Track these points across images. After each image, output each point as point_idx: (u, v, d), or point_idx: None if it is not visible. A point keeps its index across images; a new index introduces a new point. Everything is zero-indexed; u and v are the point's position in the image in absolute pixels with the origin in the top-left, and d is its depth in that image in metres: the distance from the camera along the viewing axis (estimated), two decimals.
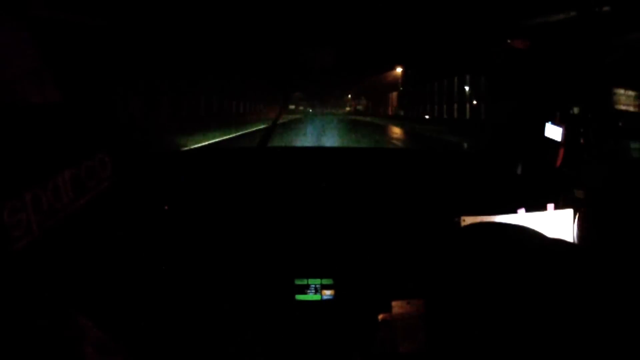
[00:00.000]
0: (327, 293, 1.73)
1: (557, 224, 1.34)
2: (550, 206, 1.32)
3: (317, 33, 1.37)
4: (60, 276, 0.78)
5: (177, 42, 1.42)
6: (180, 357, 1.49)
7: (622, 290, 0.55)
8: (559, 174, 1.55)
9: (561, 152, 1.49)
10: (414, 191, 1.82)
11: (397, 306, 1.06)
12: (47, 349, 0.53)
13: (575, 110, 1.46)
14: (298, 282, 1.73)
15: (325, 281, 1.73)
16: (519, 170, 1.83)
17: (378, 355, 1.00)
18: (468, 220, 1.31)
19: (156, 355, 1.43)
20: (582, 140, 1.43)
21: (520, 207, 1.36)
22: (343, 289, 1.73)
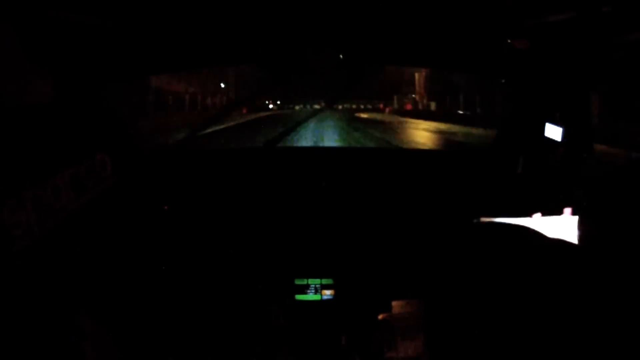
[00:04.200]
0: (327, 293, 1.73)
1: (574, 228, 1.32)
2: (567, 210, 1.32)
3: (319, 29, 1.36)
4: (61, 275, 0.78)
5: (178, 40, 1.42)
6: (180, 356, 1.49)
7: (621, 289, 0.55)
8: (569, 176, 1.55)
9: (561, 152, 1.49)
10: (414, 192, 1.82)
11: (397, 306, 1.06)
12: (46, 347, 0.53)
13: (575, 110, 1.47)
14: (298, 282, 1.73)
15: (325, 281, 1.73)
16: (520, 170, 1.83)
17: (378, 356, 1.00)
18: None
19: (156, 354, 1.43)
20: (580, 140, 1.43)
21: (535, 211, 1.35)
22: (343, 289, 1.73)
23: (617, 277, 0.57)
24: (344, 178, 1.86)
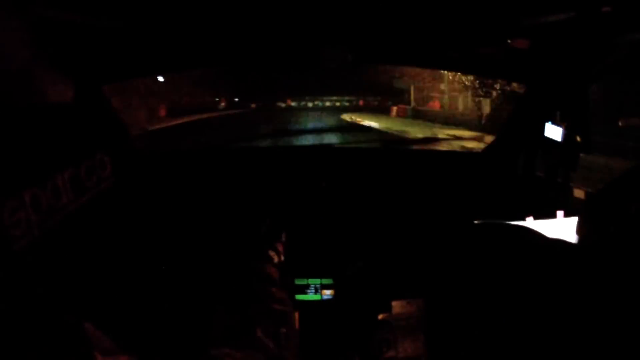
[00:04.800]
0: (327, 293, 1.73)
1: (567, 231, 1.33)
2: (560, 213, 1.32)
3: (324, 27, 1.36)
4: (60, 276, 0.78)
5: (176, 40, 1.42)
6: (181, 356, 1.49)
7: (621, 289, 0.55)
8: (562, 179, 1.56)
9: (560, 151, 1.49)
10: (414, 192, 1.82)
11: (397, 306, 1.06)
12: (46, 350, 0.53)
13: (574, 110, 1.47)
14: (298, 281, 1.73)
15: (325, 281, 1.73)
16: (519, 170, 1.83)
17: (377, 356, 1.00)
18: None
19: (158, 355, 1.43)
20: (578, 139, 1.43)
21: (528, 214, 1.35)
22: (343, 289, 1.73)
23: (617, 278, 0.57)
24: (345, 178, 1.86)
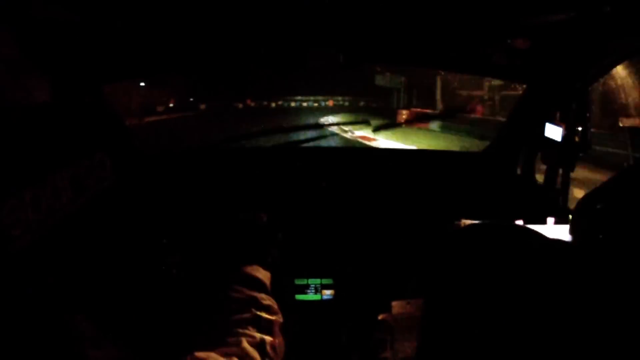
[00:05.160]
0: (327, 293, 1.73)
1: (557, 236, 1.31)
2: (550, 220, 1.31)
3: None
4: (59, 275, 0.78)
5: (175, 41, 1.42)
6: (180, 356, 1.49)
7: (620, 289, 0.55)
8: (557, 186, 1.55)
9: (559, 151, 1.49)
10: (414, 191, 1.82)
11: (397, 306, 1.06)
12: (45, 349, 0.53)
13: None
14: (298, 282, 1.73)
15: (325, 281, 1.73)
16: (518, 171, 1.83)
17: (377, 356, 1.00)
18: (467, 223, 1.31)
19: (157, 354, 1.43)
20: (576, 139, 1.43)
21: (518, 218, 1.35)
22: (343, 289, 1.73)
23: (616, 278, 0.57)
24: (345, 178, 1.86)
